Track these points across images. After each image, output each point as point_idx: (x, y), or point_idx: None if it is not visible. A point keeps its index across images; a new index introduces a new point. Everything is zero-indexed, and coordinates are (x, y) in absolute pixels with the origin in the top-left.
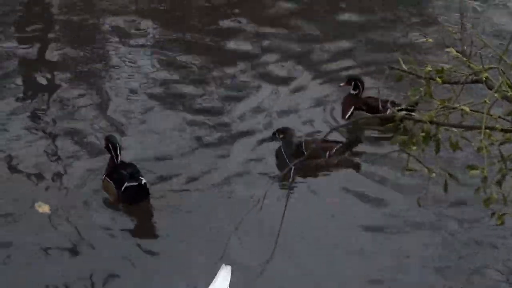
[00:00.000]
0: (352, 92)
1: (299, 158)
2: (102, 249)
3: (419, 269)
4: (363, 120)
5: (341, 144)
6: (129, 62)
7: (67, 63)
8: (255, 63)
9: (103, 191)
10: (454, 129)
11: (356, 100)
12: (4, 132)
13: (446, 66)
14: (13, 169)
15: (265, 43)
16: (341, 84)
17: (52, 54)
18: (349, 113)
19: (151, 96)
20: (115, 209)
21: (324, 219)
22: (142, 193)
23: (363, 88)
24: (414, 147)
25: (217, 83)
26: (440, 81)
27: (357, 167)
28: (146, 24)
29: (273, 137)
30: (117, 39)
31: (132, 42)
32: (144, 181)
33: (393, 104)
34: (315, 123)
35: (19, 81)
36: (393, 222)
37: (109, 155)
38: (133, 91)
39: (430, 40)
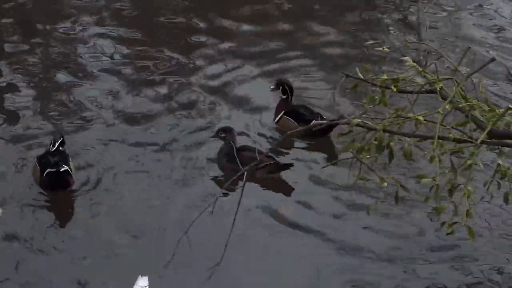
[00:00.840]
0: (282, 96)
1: (230, 160)
2: None
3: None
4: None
5: (273, 163)
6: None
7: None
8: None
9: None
10: (408, 139)
11: (286, 106)
12: None
13: (401, 75)
14: None
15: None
16: (271, 87)
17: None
18: (278, 118)
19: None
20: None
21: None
22: (60, 181)
23: (291, 93)
24: (367, 156)
25: None
26: (395, 90)
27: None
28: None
29: (216, 135)
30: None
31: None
32: (64, 168)
33: (321, 117)
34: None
35: None
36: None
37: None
38: None
39: (387, 49)
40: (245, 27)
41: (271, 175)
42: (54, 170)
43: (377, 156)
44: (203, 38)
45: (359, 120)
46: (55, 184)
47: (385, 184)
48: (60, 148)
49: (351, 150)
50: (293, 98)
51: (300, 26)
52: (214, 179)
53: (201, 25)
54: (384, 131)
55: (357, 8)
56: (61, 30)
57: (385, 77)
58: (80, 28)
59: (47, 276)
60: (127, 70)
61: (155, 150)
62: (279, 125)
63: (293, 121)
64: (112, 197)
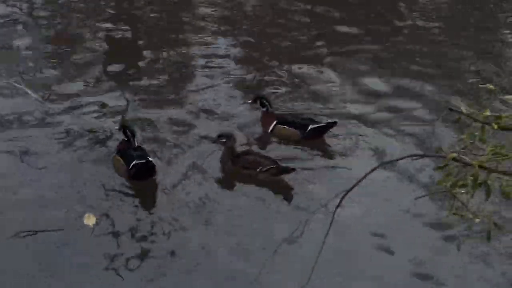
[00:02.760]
0: (263, 109)
1: (235, 164)
2: None
3: None
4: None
5: (275, 166)
6: None
7: None
8: None
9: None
10: (506, 177)
11: (272, 116)
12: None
13: (504, 115)
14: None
15: None
16: (249, 102)
17: None
18: (271, 128)
19: None
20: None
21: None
22: (149, 170)
23: (270, 104)
24: (462, 191)
25: None
26: (496, 127)
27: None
28: None
29: (216, 140)
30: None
31: None
32: (151, 159)
33: (312, 121)
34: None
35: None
36: None
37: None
38: None
39: (492, 87)
40: None
41: (273, 177)
42: (144, 161)
43: (472, 192)
44: None
45: (455, 155)
46: (145, 173)
47: (477, 220)
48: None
49: (444, 184)
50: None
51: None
52: None
53: None
54: (480, 167)
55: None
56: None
57: (487, 113)
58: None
59: None
60: None
61: None
62: (275, 134)
63: (288, 127)
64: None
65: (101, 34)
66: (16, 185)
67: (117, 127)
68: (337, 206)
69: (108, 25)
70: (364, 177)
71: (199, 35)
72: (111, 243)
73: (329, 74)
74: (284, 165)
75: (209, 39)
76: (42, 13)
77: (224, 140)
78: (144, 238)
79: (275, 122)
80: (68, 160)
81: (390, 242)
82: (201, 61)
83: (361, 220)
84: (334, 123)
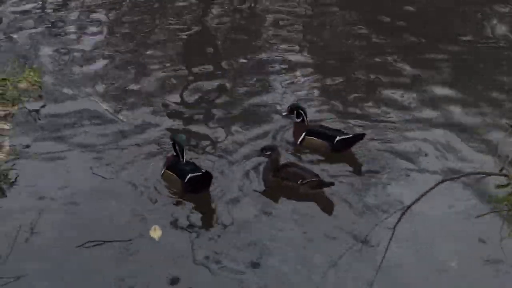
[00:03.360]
0: (297, 120)
1: (274, 175)
2: None
3: None
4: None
5: (316, 179)
6: None
7: None
8: None
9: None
10: None
11: (303, 127)
12: None
13: None
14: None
15: None
16: (284, 113)
17: None
18: (300, 139)
19: None
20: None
21: None
22: (206, 182)
23: (306, 115)
24: None
25: None
26: None
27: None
28: None
29: (260, 153)
30: None
31: None
32: (205, 171)
33: (340, 132)
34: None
35: None
36: None
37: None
38: None
39: None
40: None
41: (313, 191)
42: (199, 174)
43: None
44: None
45: None
46: (202, 185)
47: None
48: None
49: (505, 203)
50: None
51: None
52: None
53: None
54: None
55: None
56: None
57: None
58: None
59: None
60: None
61: None
62: (304, 145)
63: (316, 138)
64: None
65: (173, 40)
66: (87, 196)
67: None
68: (398, 222)
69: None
70: (426, 193)
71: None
72: (173, 257)
73: (400, 80)
74: (325, 180)
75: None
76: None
77: (268, 153)
78: (202, 255)
79: (304, 133)
80: (136, 172)
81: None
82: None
83: (417, 235)
84: (363, 135)
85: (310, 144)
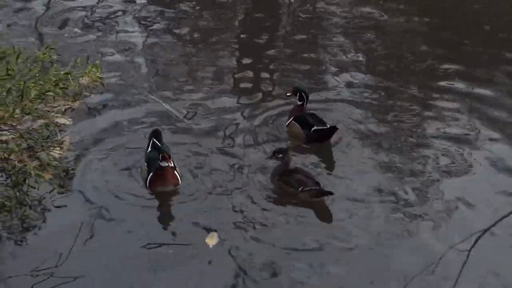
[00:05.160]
0: (298, 103)
1: (278, 179)
2: None
3: None
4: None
5: (316, 188)
6: None
7: None
8: None
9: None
10: None
11: (298, 111)
12: None
13: None
14: None
15: None
16: (288, 94)
17: None
18: (288, 121)
19: None
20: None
21: None
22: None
23: (307, 100)
24: None
25: None
26: None
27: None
28: None
29: (272, 156)
30: None
31: None
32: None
33: (334, 128)
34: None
35: None
36: None
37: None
38: None
39: None
40: None
41: (314, 199)
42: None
43: None
44: None
45: None
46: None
47: None
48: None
49: None
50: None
51: None
52: None
53: None
54: None
55: None
56: None
57: None
58: None
59: None
60: None
61: None
62: (288, 128)
63: (299, 126)
64: None
65: (233, 42)
66: (149, 196)
67: None
68: (472, 246)
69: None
70: (507, 215)
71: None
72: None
73: (455, 90)
74: (325, 189)
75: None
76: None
77: (281, 156)
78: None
79: (292, 117)
80: (202, 177)
81: None
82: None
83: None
84: (336, 128)
85: (292, 130)
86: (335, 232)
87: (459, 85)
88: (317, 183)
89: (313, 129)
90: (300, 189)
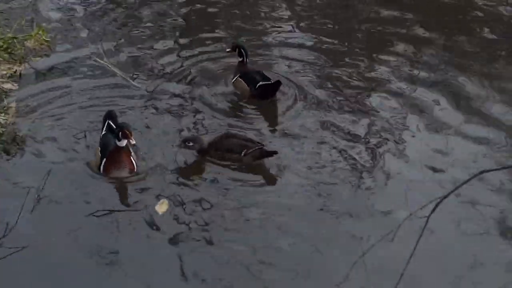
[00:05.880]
0: (239, 59)
1: (216, 148)
2: None
3: None
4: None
5: (259, 148)
6: None
7: None
8: None
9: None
10: None
11: (242, 68)
12: None
13: None
14: None
15: None
16: (227, 50)
17: None
18: (234, 79)
19: None
20: None
21: None
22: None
23: (246, 55)
24: None
25: None
26: None
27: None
28: None
29: (182, 145)
30: None
31: None
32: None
33: (279, 83)
34: None
35: None
36: None
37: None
38: None
39: None
40: None
41: (256, 161)
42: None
43: None
44: None
45: None
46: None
47: None
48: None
49: None
50: (248, 60)
51: None
52: None
53: None
54: None
55: None
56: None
57: None
58: None
59: None
60: None
61: None
62: (234, 86)
63: (244, 83)
64: None
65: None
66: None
67: None
68: (432, 212)
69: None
70: (465, 182)
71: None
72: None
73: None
74: (267, 148)
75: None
76: None
77: (191, 144)
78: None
79: (238, 75)
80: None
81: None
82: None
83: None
84: (280, 83)
85: (238, 86)
86: (281, 193)
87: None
88: (259, 143)
89: (258, 84)
90: (243, 153)
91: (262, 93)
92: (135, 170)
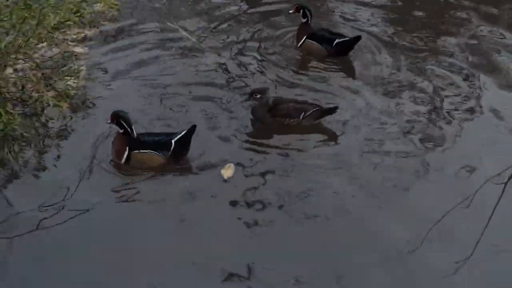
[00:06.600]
0: (302, 20)
1: (273, 115)
2: None
3: None
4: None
5: (318, 109)
6: None
7: None
8: None
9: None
10: None
11: (307, 30)
12: None
13: None
14: None
15: None
16: (290, 11)
17: None
18: (301, 42)
19: None
20: None
21: None
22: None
23: (311, 17)
24: None
25: None
26: None
27: (334, 138)
28: None
29: (250, 98)
30: None
31: None
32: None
33: (340, 35)
34: None
35: None
36: None
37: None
38: None
39: None
40: None
41: (317, 121)
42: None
43: None
44: None
45: None
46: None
47: None
48: None
49: None
50: (311, 21)
51: None
52: None
53: None
54: None
55: None
56: None
57: None
58: None
59: None
60: None
61: None
62: (303, 48)
63: (316, 43)
64: None
65: None
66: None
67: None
68: (509, 178)
69: None
70: None
71: None
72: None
73: None
74: (326, 106)
75: None
76: None
77: (259, 96)
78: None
79: (305, 37)
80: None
81: None
82: None
83: None
84: (359, 38)
85: (308, 48)
86: (346, 158)
87: None
88: (315, 104)
89: (335, 42)
90: (302, 116)
91: (341, 49)
92: (121, 162)
